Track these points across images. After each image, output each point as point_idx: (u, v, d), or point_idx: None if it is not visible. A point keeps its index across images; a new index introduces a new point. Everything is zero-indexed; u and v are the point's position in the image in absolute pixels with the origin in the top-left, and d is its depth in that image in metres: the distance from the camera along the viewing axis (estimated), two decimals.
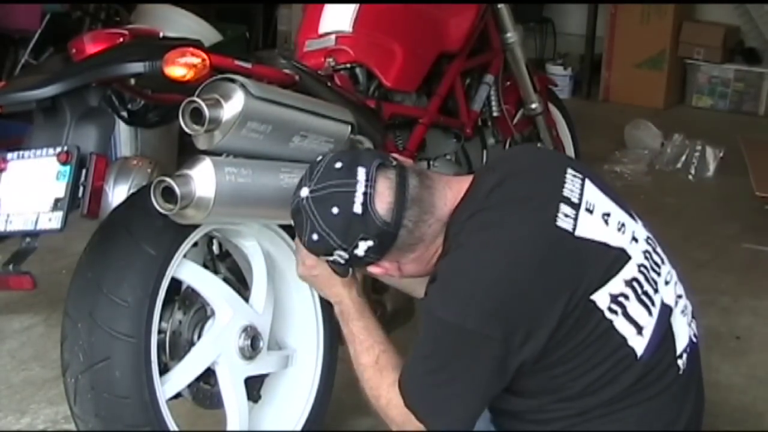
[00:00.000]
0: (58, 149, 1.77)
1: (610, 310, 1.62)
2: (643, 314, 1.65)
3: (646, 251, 1.71)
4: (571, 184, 1.68)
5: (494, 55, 3.01)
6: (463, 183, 1.74)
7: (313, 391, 2.26)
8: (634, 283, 1.65)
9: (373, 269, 1.76)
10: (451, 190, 1.73)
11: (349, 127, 2.12)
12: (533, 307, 1.59)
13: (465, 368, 1.62)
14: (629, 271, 1.65)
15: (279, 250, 2.18)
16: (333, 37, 2.58)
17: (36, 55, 3.92)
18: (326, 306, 2.25)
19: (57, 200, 1.74)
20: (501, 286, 1.59)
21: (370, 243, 1.66)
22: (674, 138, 4.86)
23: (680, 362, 1.71)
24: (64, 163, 1.75)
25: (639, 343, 1.64)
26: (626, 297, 1.63)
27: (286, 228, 2.13)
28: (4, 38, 3.99)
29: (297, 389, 2.26)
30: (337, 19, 2.61)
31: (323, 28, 2.62)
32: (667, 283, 1.73)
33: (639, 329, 1.64)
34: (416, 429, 1.68)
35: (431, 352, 1.65)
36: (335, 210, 1.64)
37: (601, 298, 1.61)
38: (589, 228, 1.64)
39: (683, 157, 4.77)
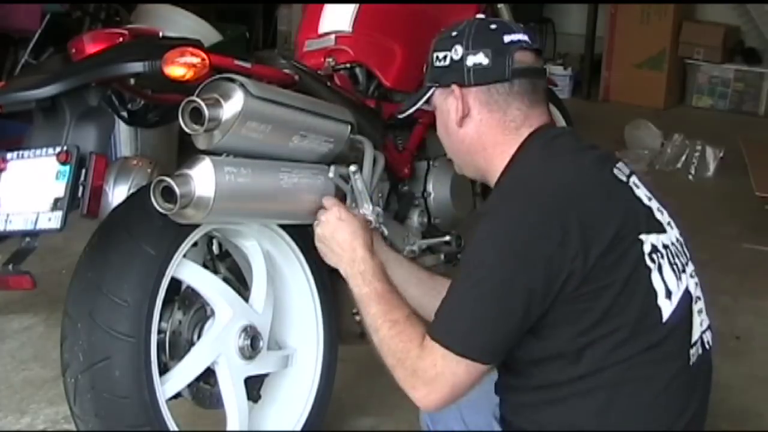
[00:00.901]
0: (58, 149, 1.77)
1: (651, 258, 1.64)
2: (673, 279, 1.67)
3: (677, 240, 1.74)
4: (619, 171, 1.72)
5: None
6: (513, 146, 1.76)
7: (313, 391, 2.26)
8: (670, 248, 1.69)
9: (447, 94, 1.75)
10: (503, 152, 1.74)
11: (349, 127, 2.12)
12: (590, 218, 1.60)
13: (518, 266, 1.57)
14: (667, 237, 1.69)
15: (279, 250, 2.18)
16: (333, 37, 2.59)
17: (36, 55, 3.92)
18: (326, 306, 2.26)
19: (57, 200, 1.74)
20: (562, 195, 1.61)
21: (485, 60, 1.70)
22: (674, 138, 4.86)
23: (692, 352, 1.70)
24: (63, 163, 1.76)
25: (666, 306, 1.65)
26: (662, 256, 1.66)
27: (287, 228, 2.13)
28: (4, 38, 3.99)
29: (297, 389, 2.26)
30: (337, 19, 2.62)
31: (323, 28, 2.63)
32: (691, 276, 1.75)
33: (668, 293, 1.65)
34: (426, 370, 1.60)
35: (478, 260, 1.61)
36: (493, 26, 1.74)
37: (647, 242, 1.64)
38: (638, 192, 1.70)
39: (683, 157, 4.77)
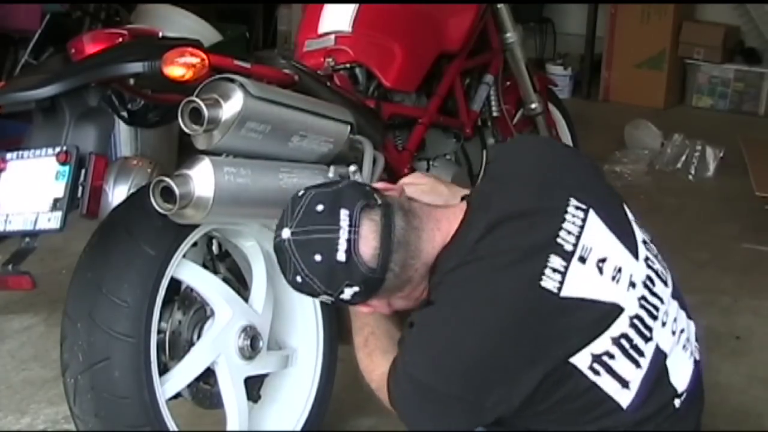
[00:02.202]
0: (58, 149, 1.77)
1: (592, 370, 1.57)
2: (629, 369, 1.60)
3: (642, 297, 1.63)
4: (570, 223, 1.59)
5: (494, 55, 3.01)
6: (453, 221, 1.66)
7: (313, 391, 2.26)
8: (623, 340, 1.59)
9: (361, 308, 1.72)
10: (440, 231, 1.65)
11: (349, 127, 2.12)
12: (508, 372, 1.55)
13: (437, 423, 1.61)
14: (619, 326, 1.59)
15: None
16: (332, 37, 2.59)
17: (36, 55, 3.92)
18: (326, 306, 2.26)
19: (56, 200, 1.74)
20: (474, 349, 1.55)
21: (356, 289, 1.61)
22: (674, 138, 4.86)
23: (676, 401, 1.67)
24: (63, 163, 1.76)
25: (625, 396, 1.60)
26: (611, 356, 1.58)
27: None
28: (4, 38, 3.98)
29: (297, 389, 2.26)
30: (337, 19, 2.62)
31: (323, 28, 2.63)
32: (664, 323, 1.66)
33: (624, 384, 1.60)
34: None
35: (407, 395, 1.64)
36: (318, 257, 1.58)
37: (582, 359, 1.57)
38: (578, 283, 1.57)
39: (683, 157, 4.77)
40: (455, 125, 2.83)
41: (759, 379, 2.84)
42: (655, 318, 1.65)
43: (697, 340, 1.78)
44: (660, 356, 1.65)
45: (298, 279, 1.61)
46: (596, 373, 1.58)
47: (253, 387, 2.12)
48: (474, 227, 1.62)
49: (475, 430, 1.65)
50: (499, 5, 2.99)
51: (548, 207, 1.62)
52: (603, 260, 1.60)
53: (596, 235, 1.61)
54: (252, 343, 2.03)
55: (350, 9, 2.61)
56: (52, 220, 1.73)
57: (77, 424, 1.87)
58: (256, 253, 2.12)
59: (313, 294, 1.65)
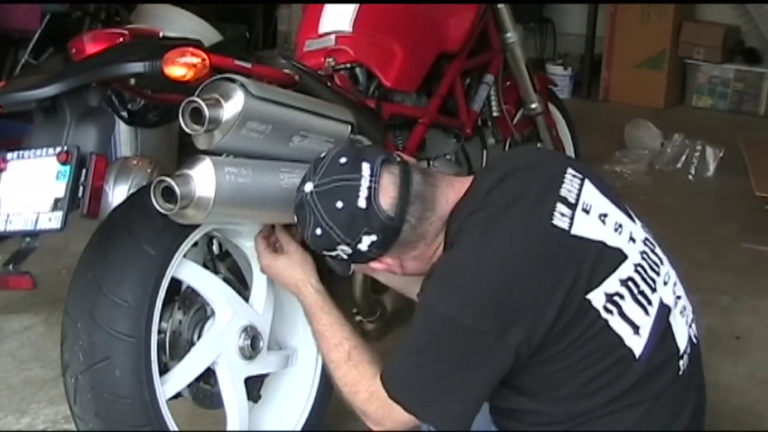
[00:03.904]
0: (58, 149, 1.77)
1: (606, 309, 1.62)
2: (639, 314, 1.65)
3: (643, 252, 1.71)
4: (569, 184, 1.68)
5: (494, 55, 3.01)
6: (465, 183, 1.75)
7: (313, 391, 2.26)
8: (630, 283, 1.65)
9: (375, 265, 1.77)
10: (453, 189, 1.74)
11: (349, 127, 2.12)
12: (529, 303, 1.59)
13: (460, 362, 1.61)
14: (625, 270, 1.65)
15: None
16: (333, 37, 2.58)
17: (36, 55, 3.91)
18: None
19: (57, 200, 1.74)
20: (497, 281, 1.60)
21: (373, 237, 1.67)
22: (674, 138, 4.86)
23: (681, 363, 1.70)
24: (63, 163, 1.75)
25: (636, 343, 1.64)
26: (622, 296, 1.63)
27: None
28: (4, 38, 3.98)
29: (297, 389, 2.26)
30: (337, 19, 2.61)
31: (323, 28, 2.63)
32: (665, 283, 1.73)
33: (636, 329, 1.64)
34: (395, 423, 1.68)
35: (425, 346, 1.65)
36: (339, 204, 1.65)
37: (597, 297, 1.61)
38: (586, 227, 1.64)
39: (683, 157, 4.77)
40: (455, 125, 2.83)
41: (759, 379, 2.84)
42: (657, 273, 1.71)
43: (696, 319, 1.81)
44: (665, 309, 1.69)
45: (318, 231, 1.67)
46: (609, 312, 1.62)
47: (253, 387, 2.12)
48: (484, 182, 1.72)
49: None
50: (499, 5, 2.99)
51: (549, 168, 1.73)
52: (604, 215, 1.68)
53: (594, 197, 1.70)
54: (252, 343, 2.03)
55: (351, 9, 2.61)
56: (52, 220, 1.73)
57: (77, 424, 1.87)
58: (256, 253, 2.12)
59: (332, 247, 1.70)
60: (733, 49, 5.92)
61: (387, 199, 1.66)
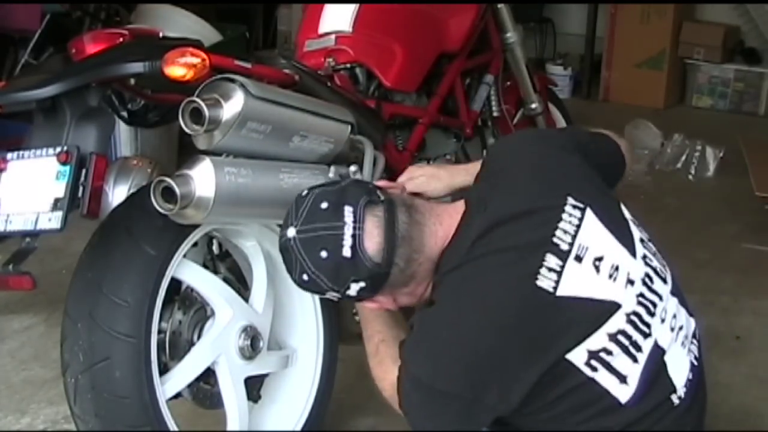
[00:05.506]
0: (58, 149, 1.77)
1: (589, 366, 1.58)
2: (627, 364, 1.61)
3: (640, 294, 1.64)
4: (567, 223, 1.61)
5: (494, 55, 3.01)
6: (454, 216, 1.69)
7: (313, 391, 2.26)
8: (620, 336, 1.60)
9: (368, 304, 1.74)
10: (441, 227, 1.68)
11: (349, 127, 2.12)
12: (505, 370, 1.56)
13: (436, 422, 1.62)
14: (615, 323, 1.60)
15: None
16: (333, 37, 2.58)
17: (36, 55, 3.92)
18: (326, 306, 2.26)
19: (57, 200, 1.74)
20: (472, 348, 1.57)
21: (361, 284, 1.63)
22: (674, 138, 4.86)
23: (674, 397, 1.67)
24: (63, 163, 1.76)
25: (623, 392, 1.61)
26: (608, 352, 1.59)
27: None
28: (4, 38, 3.99)
29: (297, 389, 2.26)
30: (337, 19, 2.61)
31: (323, 28, 2.63)
32: (663, 320, 1.67)
33: (622, 379, 1.61)
34: None
35: (409, 391, 1.65)
36: (324, 254, 1.60)
37: (578, 355, 1.57)
38: (574, 283, 1.58)
39: (683, 157, 4.77)
40: (455, 125, 2.83)
41: (759, 379, 2.84)
42: (653, 315, 1.65)
43: (698, 337, 1.78)
44: (658, 352, 1.65)
45: (305, 277, 1.63)
46: (593, 369, 1.58)
47: (253, 387, 2.12)
48: (472, 228, 1.64)
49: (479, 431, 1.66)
50: (500, 5, 2.99)
51: (545, 206, 1.63)
52: (600, 259, 1.61)
53: (593, 233, 1.63)
54: (252, 343, 2.03)
55: (351, 9, 2.61)
56: (52, 220, 1.73)
57: (77, 424, 1.87)
58: (256, 253, 2.12)
59: (320, 292, 1.66)
60: (733, 49, 5.92)
61: (373, 245, 1.60)
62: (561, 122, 3.44)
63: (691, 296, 1.84)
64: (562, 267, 1.57)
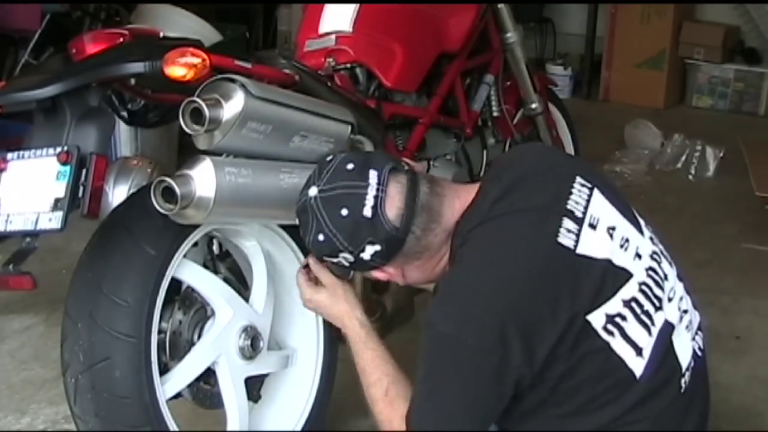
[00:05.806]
0: (58, 149, 1.77)
1: (606, 330, 1.60)
2: (642, 335, 1.63)
3: (649, 268, 1.68)
4: (577, 196, 1.65)
5: (494, 55, 3.01)
6: (471, 192, 1.73)
7: (313, 391, 2.26)
8: (633, 303, 1.63)
9: (376, 273, 1.75)
10: (459, 199, 1.72)
11: (349, 127, 2.12)
12: (533, 323, 1.56)
13: (466, 383, 1.60)
14: (629, 290, 1.63)
15: (279, 250, 2.18)
16: (333, 37, 2.58)
17: (36, 55, 3.91)
18: None
19: (57, 200, 1.74)
20: (500, 301, 1.57)
21: (377, 247, 1.65)
22: (674, 138, 4.86)
23: (683, 381, 1.69)
24: (64, 163, 1.75)
25: (638, 364, 1.62)
26: (624, 318, 1.61)
27: (287, 228, 2.13)
28: (4, 38, 3.98)
29: (297, 389, 2.26)
30: (337, 19, 2.61)
31: (323, 28, 2.63)
32: (670, 299, 1.70)
33: (638, 350, 1.62)
34: None
35: (432, 368, 1.63)
36: (344, 212, 1.63)
37: (597, 318, 1.59)
38: (592, 244, 1.62)
39: (683, 157, 4.77)
40: (456, 125, 2.83)
41: (759, 379, 2.84)
42: (662, 289, 1.69)
43: (703, 330, 1.80)
44: (668, 328, 1.68)
45: (321, 237, 1.66)
46: (610, 333, 1.60)
47: (253, 387, 2.12)
48: (489, 193, 1.68)
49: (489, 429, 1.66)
50: (500, 5, 2.99)
51: (557, 178, 1.69)
52: (612, 229, 1.65)
53: (602, 209, 1.67)
54: (252, 343, 2.03)
55: (351, 9, 2.61)
56: (53, 220, 1.73)
57: (77, 424, 1.87)
58: (256, 253, 2.12)
59: (333, 253, 1.68)
60: (733, 49, 5.92)
61: (393, 209, 1.64)
62: (561, 122, 3.45)
63: (699, 308, 1.84)
64: (579, 230, 1.62)
